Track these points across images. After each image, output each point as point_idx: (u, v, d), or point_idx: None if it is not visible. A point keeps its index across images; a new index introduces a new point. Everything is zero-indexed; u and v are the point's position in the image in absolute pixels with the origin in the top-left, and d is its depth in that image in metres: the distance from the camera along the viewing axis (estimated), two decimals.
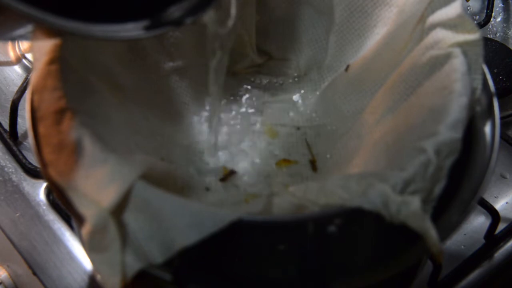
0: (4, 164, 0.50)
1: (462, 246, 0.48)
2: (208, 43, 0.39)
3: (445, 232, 0.30)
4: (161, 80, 0.46)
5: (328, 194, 0.29)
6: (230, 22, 0.38)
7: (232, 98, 0.50)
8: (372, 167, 0.35)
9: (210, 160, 0.46)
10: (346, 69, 0.45)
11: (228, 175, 0.44)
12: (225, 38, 0.39)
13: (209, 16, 0.37)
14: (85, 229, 0.28)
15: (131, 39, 0.33)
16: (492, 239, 0.48)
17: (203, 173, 0.45)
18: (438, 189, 0.29)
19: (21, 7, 0.24)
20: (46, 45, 0.34)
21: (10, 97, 0.51)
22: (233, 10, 0.37)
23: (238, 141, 0.47)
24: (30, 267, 0.44)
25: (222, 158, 0.46)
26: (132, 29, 0.28)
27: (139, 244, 0.28)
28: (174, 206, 0.28)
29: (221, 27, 0.38)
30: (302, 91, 0.50)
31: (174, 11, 0.29)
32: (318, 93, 0.49)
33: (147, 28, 0.29)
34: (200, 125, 0.48)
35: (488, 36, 0.63)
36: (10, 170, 0.50)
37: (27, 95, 0.34)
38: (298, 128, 0.48)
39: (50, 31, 0.27)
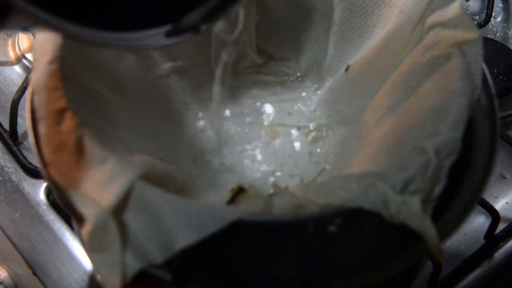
0: (4, 164, 0.50)
1: (462, 246, 0.48)
2: (214, 50, 0.39)
3: (445, 232, 0.30)
4: (161, 80, 0.46)
5: (328, 194, 0.29)
6: (237, 31, 0.38)
7: (231, 98, 0.50)
8: (372, 167, 0.35)
9: (212, 160, 0.46)
10: (346, 69, 0.45)
11: (236, 195, 0.43)
12: (232, 46, 0.39)
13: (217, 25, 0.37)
14: (85, 229, 0.28)
15: (152, 47, 0.33)
16: (492, 239, 0.48)
17: (204, 174, 0.45)
18: (438, 189, 0.29)
19: (41, 14, 0.24)
20: (47, 45, 0.34)
21: (10, 97, 0.51)
22: (241, 18, 0.37)
23: (238, 141, 0.47)
24: (30, 267, 0.44)
25: (223, 158, 0.46)
26: (153, 37, 0.29)
27: (139, 244, 0.28)
28: (174, 206, 0.28)
29: (228, 35, 0.38)
30: (302, 91, 0.50)
31: (190, 18, 0.29)
32: (318, 93, 0.49)
33: (167, 36, 0.29)
34: (200, 125, 0.48)
35: (488, 36, 0.63)
36: (10, 170, 0.50)
37: (27, 95, 0.34)
38: (299, 128, 0.48)
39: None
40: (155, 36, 0.29)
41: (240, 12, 0.38)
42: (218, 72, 0.40)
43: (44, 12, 0.25)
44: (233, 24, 0.38)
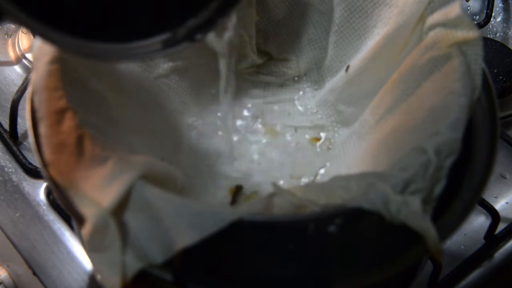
0: (4, 164, 0.50)
1: (462, 246, 0.48)
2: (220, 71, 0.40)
3: (445, 232, 0.30)
4: (161, 80, 0.46)
5: (328, 194, 0.29)
6: (227, 35, 0.38)
7: (231, 98, 0.49)
8: (372, 167, 0.35)
9: (213, 161, 0.46)
10: (346, 69, 0.45)
11: (236, 195, 0.43)
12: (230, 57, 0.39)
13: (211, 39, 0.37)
14: (86, 229, 0.28)
15: (150, 58, 0.34)
16: (492, 239, 0.48)
17: (204, 174, 0.45)
18: (438, 189, 0.29)
19: (34, 24, 0.24)
20: (47, 45, 0.34)
21: (10, 97, 0.51)
22: (230, 33, 0.38)
23: (239, 141, 0.47)
24: (30, 267, 0.44)
25: (223, 158, 0.46)
26: (150, 47, 0.29)
27: (139, 244, 0.28)
28: (175, 206, 0.28)
29: (220, 42, 0.38)
30: (302, 91, 0.50)
31: (186, 28, 0.30)
32: (318, 93, 0.49)
33: (165, 46, 0.29)
34: (200, 125, 0.48)
35: (488, 36, 0.63)
36: (10, 170, 0.50)
37: (27, 95, 0.34)
38: (299, 129, 0.48)
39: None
40: (152, 46, 0.29)
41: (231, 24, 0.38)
42: (223, 72, 0.40)
43: (37, 21, 0.25)
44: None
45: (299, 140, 0.47)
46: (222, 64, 0.39)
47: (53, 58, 0.33)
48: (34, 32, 0.26)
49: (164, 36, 0.29)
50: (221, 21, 0.30)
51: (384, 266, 0.29)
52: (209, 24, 0.30)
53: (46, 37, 0.26)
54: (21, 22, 0.25)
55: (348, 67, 0.45)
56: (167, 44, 0.29)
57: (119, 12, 0.28)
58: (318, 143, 0.47)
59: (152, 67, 0.45)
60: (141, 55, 0.30)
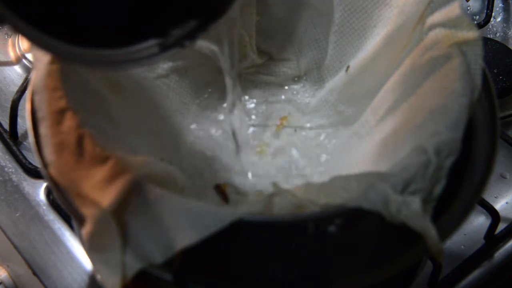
0: (4, 164, 0.50)
1: (462, 246, 0.48)
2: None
3: (445, 232, 0.30)
4: (161, 80, 0.46)
5: (328, 194, 0.29)
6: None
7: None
8: (372, 167, 0.35)
9: (212, 161, 0.46)
10: (347, 69, 0.45)
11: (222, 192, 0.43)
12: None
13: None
14: (86, 229, 0.28)
15: (141, 65, 0.34)
16: (492, 239, 0.48)
17: (204, 175, 0.45)
18: (438, 189, 0.29)
19: (32, 32, 0.25)
20: None
21: (10, 97, 0.51)
22: (226, 48, 0.38)
23: (239, 141, 0.47)
24: (30, 267, 0.44)
25: (223, 158, 0.46)
26: (143, 51, 0.29)
27: (139, 244, 0.28)
28: (175, 206, 0.28)
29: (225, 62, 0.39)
30: (302, 92, 0.50)
31: (175, 34, 0.30)
32: (318, 93, 0.49)
33: (159, 51, 0.29)
34: (200, 125, 0.48)
35: (488, 36, 0.63)
36: (10, 170, 0.50)
37: (28, 95, 0.34)
38: (299, 129, 0.48)
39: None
40: (146, 50, 0.29)
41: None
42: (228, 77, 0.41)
43: (32, 28, 0.25)
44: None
45: (299, 140, 0.47)
46: (229, 81, 0.40)
47: (53, 58, 0.33)
48: (30, 38, 0.26)
49: (153, 42, 0.29)
50: (204, 33, 0.31)
51: (384, 266, 0.29)
52: (194, 34, 0.31)
53: (42, 44, 0.26)
54: (16, 28, 0.25)
55: (348, 67, 0.45)
56: (161, 50, 0.30)
57: (108, 20, 0.29)
58: (318, 143, 0.47)
59: (152, 67, 0.45)
60: (132, 61, 0.30)
